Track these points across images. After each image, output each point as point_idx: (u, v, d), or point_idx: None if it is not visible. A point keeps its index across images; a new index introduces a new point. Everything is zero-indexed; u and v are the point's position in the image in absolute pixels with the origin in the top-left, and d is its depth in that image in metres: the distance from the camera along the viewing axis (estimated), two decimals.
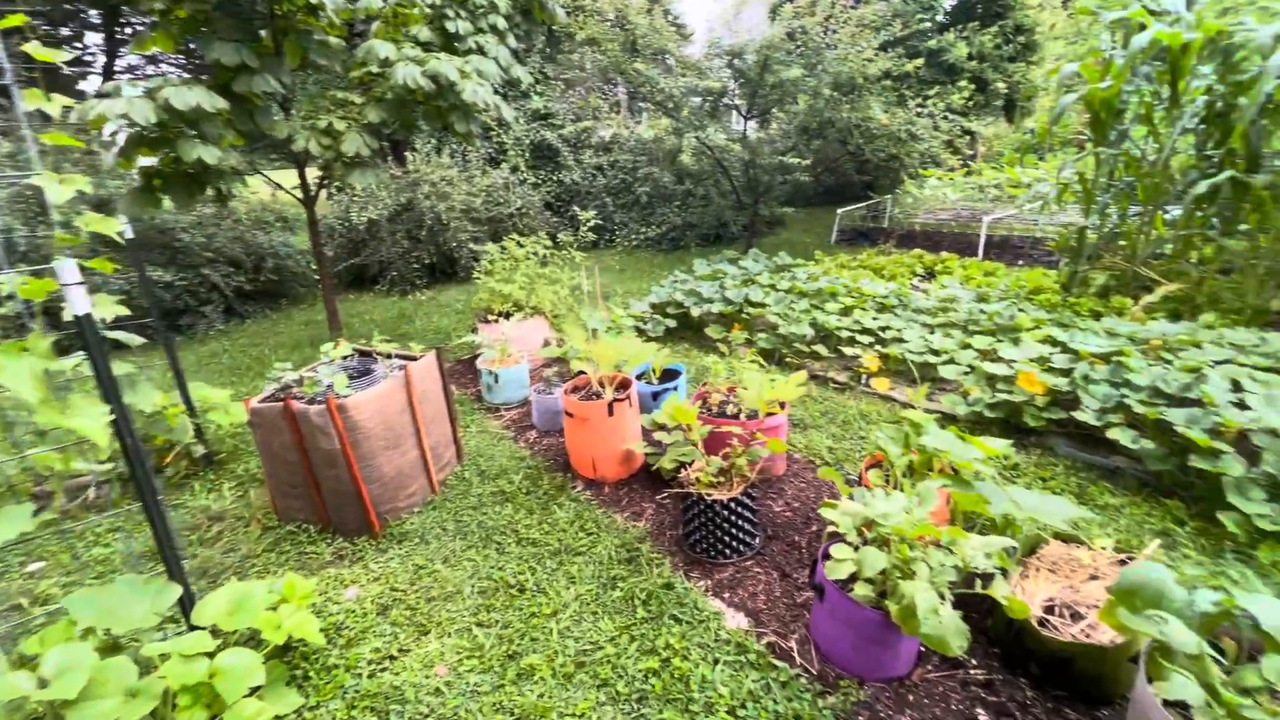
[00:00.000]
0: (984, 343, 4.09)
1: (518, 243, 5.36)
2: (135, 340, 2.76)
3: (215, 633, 1.98)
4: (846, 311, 5.05)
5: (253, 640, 2.19)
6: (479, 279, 5.20)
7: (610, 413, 3.22)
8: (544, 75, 11.53)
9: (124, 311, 2.18)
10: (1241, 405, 2.89)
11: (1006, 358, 3.72)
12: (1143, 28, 4.43)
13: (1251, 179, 4.06)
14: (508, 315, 5.05)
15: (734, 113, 8.15)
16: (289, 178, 9.78)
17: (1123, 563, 2.19)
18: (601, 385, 3.42)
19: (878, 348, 4.39)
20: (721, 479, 2.68)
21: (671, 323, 5.51)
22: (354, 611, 2.49)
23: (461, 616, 2.44)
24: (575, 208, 10.87)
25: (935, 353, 4.14)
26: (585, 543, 2.83)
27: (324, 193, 7.43)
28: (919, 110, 7.37)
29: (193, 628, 1.99)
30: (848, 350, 4.36)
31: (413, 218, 8.34)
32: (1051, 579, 2.16)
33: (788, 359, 4.77)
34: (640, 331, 5.47)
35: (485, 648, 2.27)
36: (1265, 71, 3.60)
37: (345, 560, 2.83)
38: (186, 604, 2.03)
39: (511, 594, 2.54)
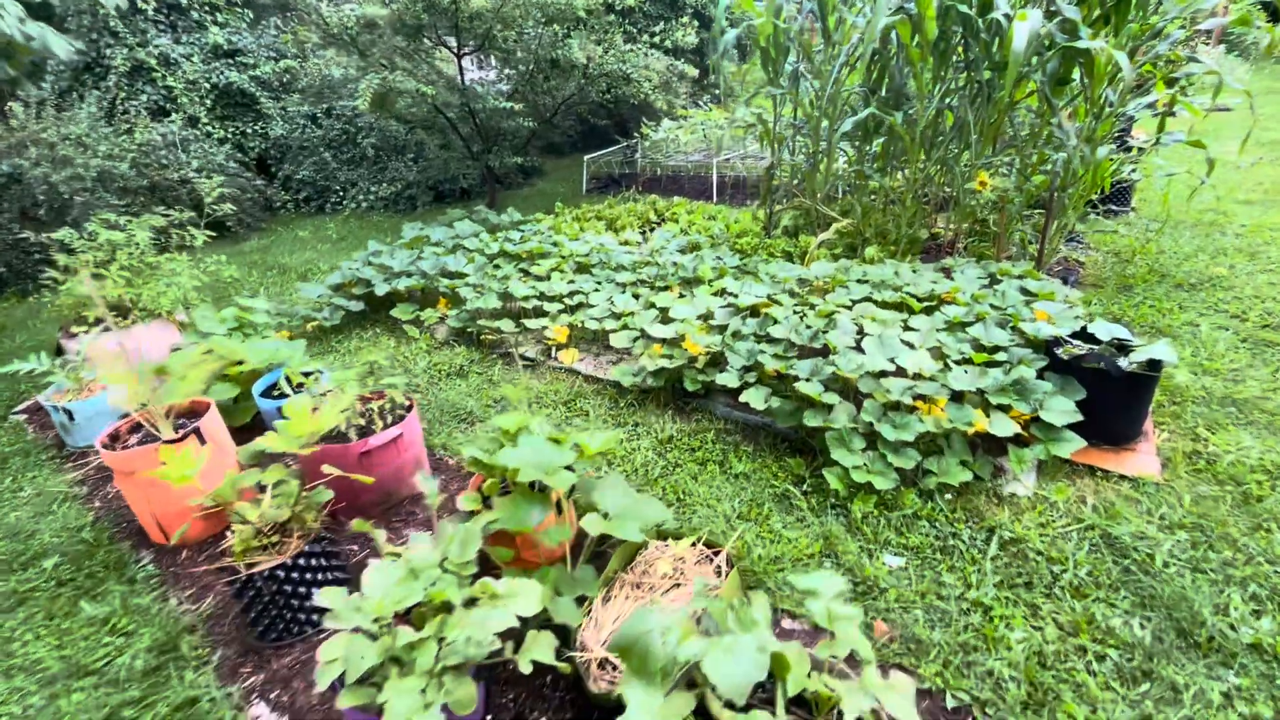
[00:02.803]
0: (668, 300, 3.91)
1: (114, 224, 4.07)
2: None
3: None
4: (545, 276, 4.62)
5: None
6: (51, 281, 3.87)
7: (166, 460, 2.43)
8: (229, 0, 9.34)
9: None
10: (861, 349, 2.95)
11: (677, 317, 3.54)
12: None
13: (889, 115, 4.25)
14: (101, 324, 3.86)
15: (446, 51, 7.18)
16: None
17: (711, 558, 2.01)
18: (162, 418, 2.58)
19: (565, 316, 4.02)
20: (277, 537, 2.08)
21: (357, 305, 4.67)
22: None
23: None
24: (287, 166, 9.21)
25: (617, 316, 3.87)
26: (107, 651, 2.09)
27: None
28: (644, 48, 7.03)
29: None
30: (531, 323, 3.92)
31: (23, 194, 6.29)
32: (636, 595, 1.91)
33: (484, 336, 4.24)
34: (313, 322, 4.56)
35: None
36: (875, 11, 3.66)
37: None
38: None
39: None
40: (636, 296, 4.09)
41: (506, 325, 3.98)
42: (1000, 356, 2.74)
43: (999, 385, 2.58)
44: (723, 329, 3.36)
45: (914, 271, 3.80)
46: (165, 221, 4.18)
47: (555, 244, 5.33)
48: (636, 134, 8.64)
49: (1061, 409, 2.50)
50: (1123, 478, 2.45)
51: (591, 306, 4.01)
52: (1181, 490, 2.35)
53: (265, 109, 9.13)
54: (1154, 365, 2.50)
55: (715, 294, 3.85)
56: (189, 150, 7.67)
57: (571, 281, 4.36)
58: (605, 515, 1.98)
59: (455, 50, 7.04)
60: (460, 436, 3.19)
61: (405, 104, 6.71)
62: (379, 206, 8.94)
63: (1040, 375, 2.67)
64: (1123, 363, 2.51)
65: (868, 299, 3.53)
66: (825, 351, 3.00)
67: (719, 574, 1.93)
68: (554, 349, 3.93)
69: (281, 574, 1.98)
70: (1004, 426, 2.47)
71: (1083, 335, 2.80)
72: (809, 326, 3.10)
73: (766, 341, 3.11)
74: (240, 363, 3.32)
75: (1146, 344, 2.54)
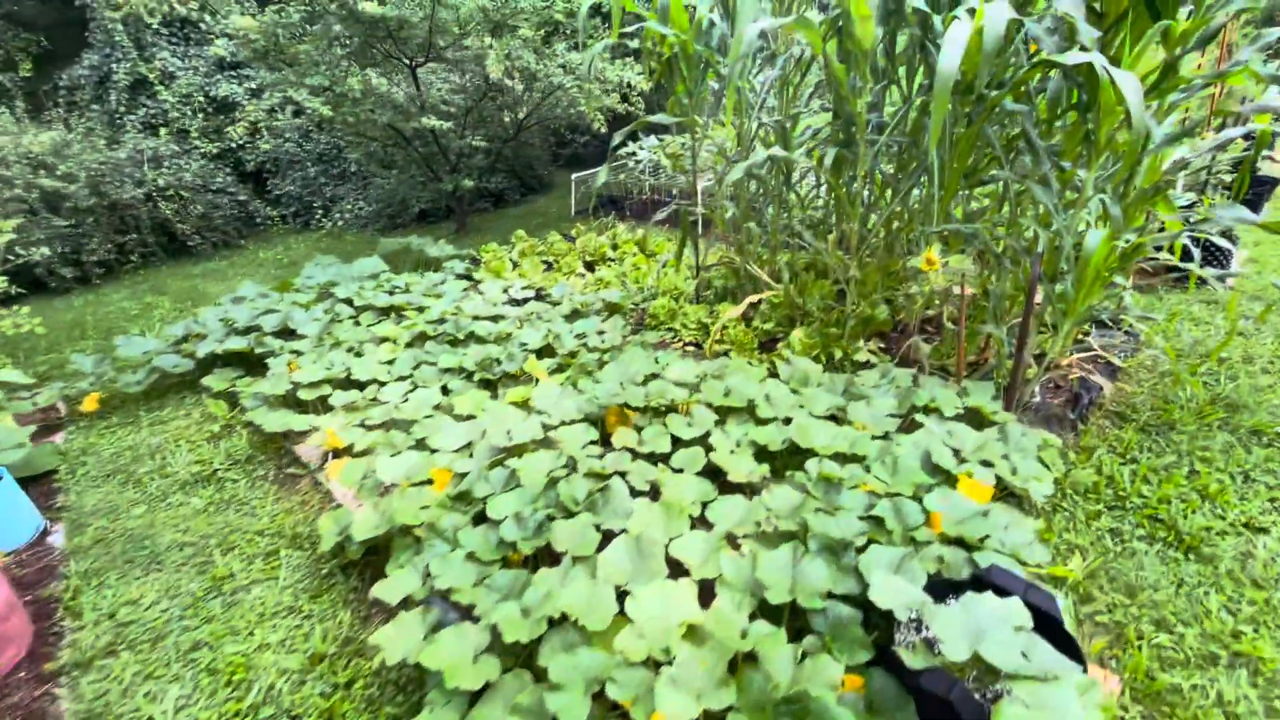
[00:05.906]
0: (473, 402, 2.93)
1: None
2: None
3: None
4: (376, 346, 3.75)
5: None
6: None
7: None
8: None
9: None
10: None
11: (434, 446, 2.56)
12: None
13: (840, 150, 3.02)
14: None
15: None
16: None
17: None
18: None
19: (346, 414, 3.13)
20: None
21: (186, 365, 4.02)
22: None
23: None
24: (278, 181, 8.99)
25: (392, 426, 2.93)
26: None
27: None
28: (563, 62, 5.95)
29: None
30: (297, 421, 3.07)
31: None
32: None
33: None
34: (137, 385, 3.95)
35: None
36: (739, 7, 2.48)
37: None
38: None
39: None
40: (446, 391, 3.14)
41: (275, 419, 3.15)
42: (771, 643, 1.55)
43: (756, 703, 1.41)
44: (461, 478, 2.34)
45: (796, 390, 2.58)
46: None
47: (439, 295, 4.48)
48: (620, 152, 7.63)
49: None
50: None
51: (380, 404, 3.10)
52: None
53: (260, 123, 8.94)
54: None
55: (518, 404, 2.82)
56: (162, 166, 7.51)
57: (389, 363, 3.47)
58: None
59: (409, 62, 6.35)
60: (123, 591, 2.39)
61: (364, 121, 6.13)
62: (356, 225, 8.51)
63: (866, 671, 1.47)
64: (992, 698, 1.28)
65: (700, 440, 2.37)
66: (552, 557, 1.91)
67: None
68: (329, 455, 3.07)
69: None
70: None
71: (975, 583, 1.55)
72: (556, 499, 2.02)
73: (484, 524, 2.06)
74: None
75: (1039, 678, 1.27)
